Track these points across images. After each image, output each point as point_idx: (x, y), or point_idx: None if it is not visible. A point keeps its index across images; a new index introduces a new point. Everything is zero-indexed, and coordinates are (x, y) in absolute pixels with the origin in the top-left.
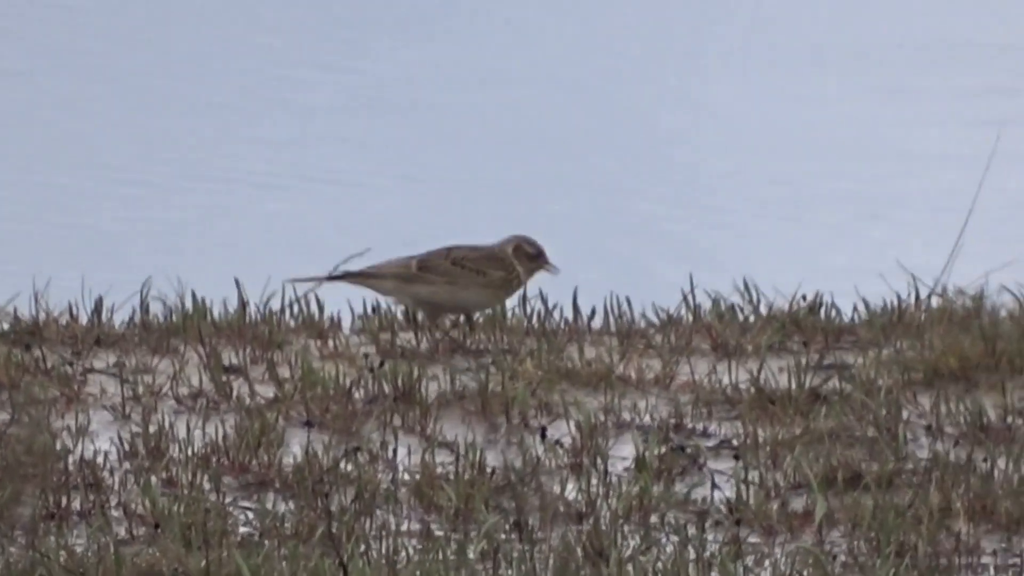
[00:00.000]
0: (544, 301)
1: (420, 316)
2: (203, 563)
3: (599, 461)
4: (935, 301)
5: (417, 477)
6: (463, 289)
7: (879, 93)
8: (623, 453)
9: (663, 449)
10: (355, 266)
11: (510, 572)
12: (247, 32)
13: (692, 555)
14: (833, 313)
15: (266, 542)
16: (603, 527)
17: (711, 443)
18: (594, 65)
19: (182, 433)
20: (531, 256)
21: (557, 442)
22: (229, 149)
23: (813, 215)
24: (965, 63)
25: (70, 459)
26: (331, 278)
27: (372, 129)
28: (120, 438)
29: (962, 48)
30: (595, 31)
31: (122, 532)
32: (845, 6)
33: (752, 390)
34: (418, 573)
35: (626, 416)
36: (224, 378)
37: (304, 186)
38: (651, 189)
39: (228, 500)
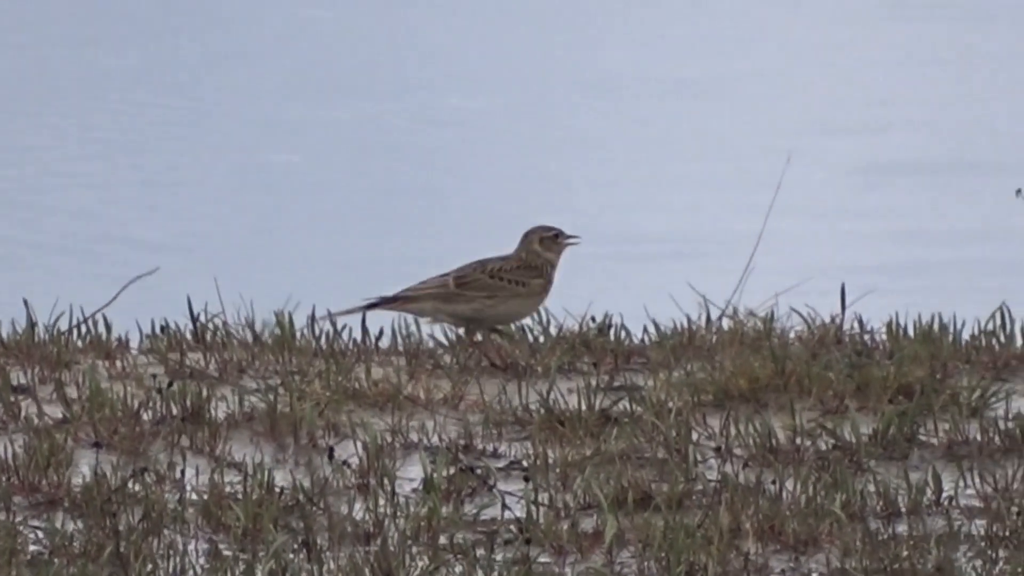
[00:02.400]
0: (333, 322)
1: (460, 331)
2: None
3: (387, 482)
4: (725, 323)
5: (205, 497)
6: (504, 302)
7: (664, 118)
8: (411, 474)
9: (452, 470)
10: (390, 292)
11: None
12: None
13: (480, 575)
14: (623, 334)
15: (55, 560)
16: (391, 548)
17: (501, 464)
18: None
19: None
20: (553, 238)
21: (345, 462)
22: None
23: (604, 236)
24: (753, 94)
25: None
26: (368, 307)
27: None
28: None
29: (751, 79)
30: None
31: None
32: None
33: (542, 411)
34: None
35: (414, 436)
36: (12, 398)
37: (86, 206)
38: (425, 206)
39: (18, 519)
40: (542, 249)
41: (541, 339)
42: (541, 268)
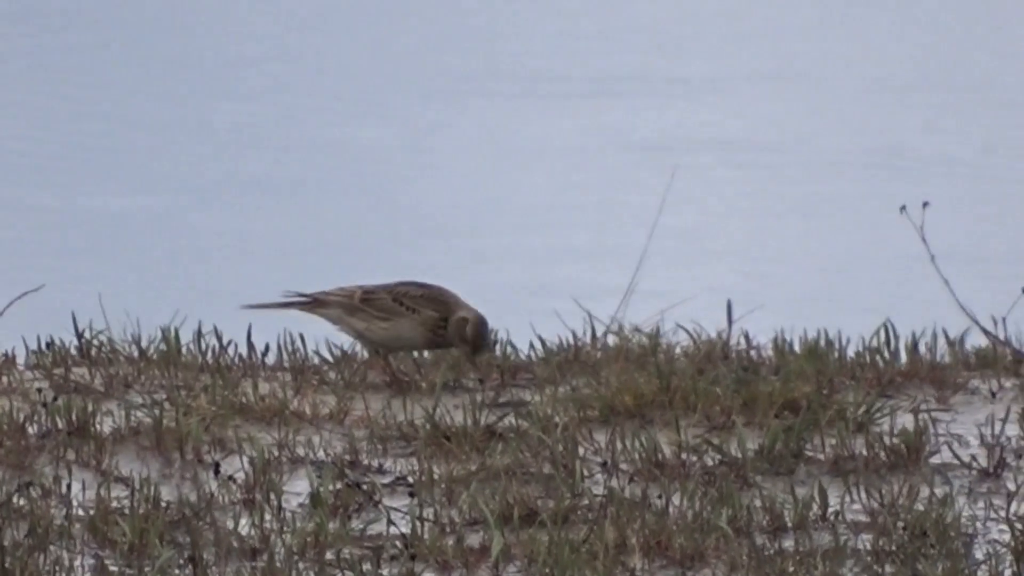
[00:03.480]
0: (218, 336)
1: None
2: None
3: (273, 497)
4: (611, 339)
5: (91, 512)
6: (395, 327)
7: (556, 128)
8: (298, 489)
9: (338, 485)
10: (308, 290)
11: None
12: None
13: None
14: (509, 350)
15: None
16: (277, 563)
17: (386, 479)
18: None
19: None
20: (470, 340)
21: (231, 477)
22: None
23: (491, 250)
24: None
25: None
26: (284, 305)
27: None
28: None
29: (633, 81)
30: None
31: None
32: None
33: (427, 426)
34: None
35: (300, 451)
36: None
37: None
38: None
39: None
40: (455, 327)
41: (426, 354)
42: (446, 311)
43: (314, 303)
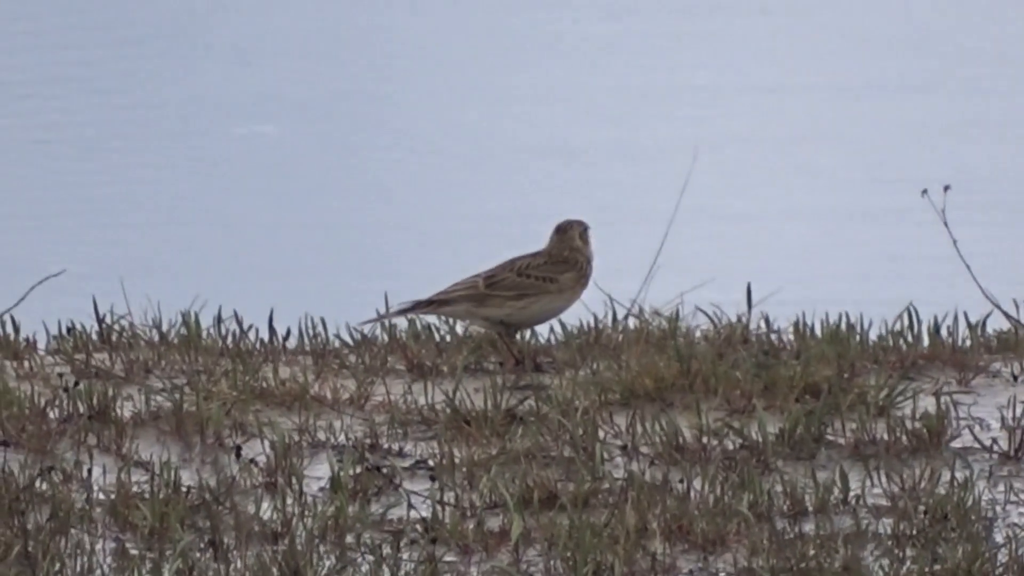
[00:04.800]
0: (239, 321)
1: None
2: None
3: (294, 481)
4: (631, 322)
5: (112, 496)
6: (534, 301)
7: (575, 125)
8: (318, 473)
9: (358, 469)
10: (424, 295)
11: None
12: None
13: (387, 574)
14: (529, 334)
15: None
16: (299, 547)
17: (407, 463)
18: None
19: None
20: (585, 229)
21: (252, 461)
22: None
23: (505, 234)
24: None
25: None
26: (401, 312)
27: None
28: None
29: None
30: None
31: None
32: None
33: (448, 410)
34: None
35: (321, 436)
36: None
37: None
38: (346, 205)
39: None
40: (582, 242)
41: (447, 338)
42: (573, 261)
43: (436, 304)
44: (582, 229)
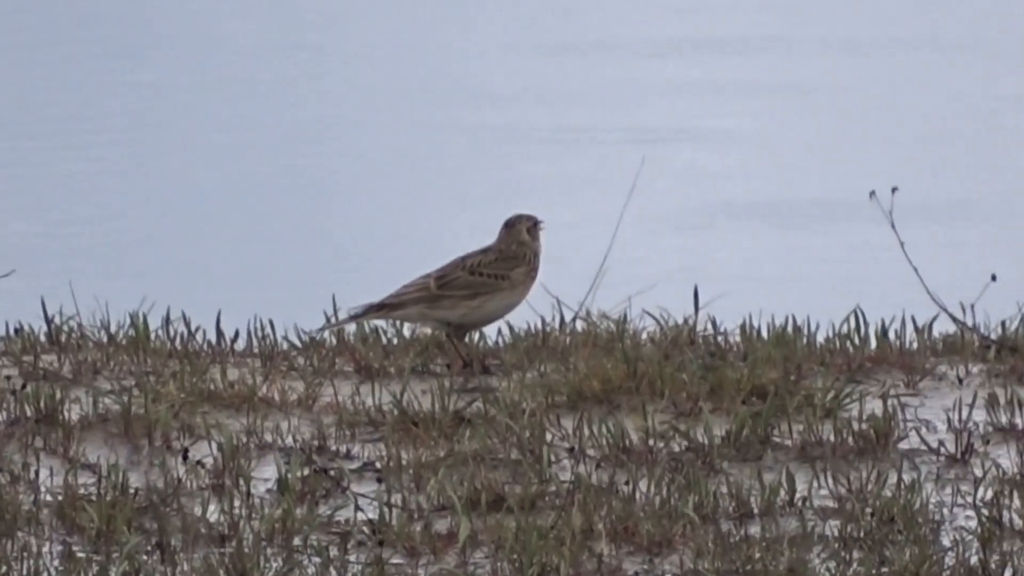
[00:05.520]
0: (187, 323)
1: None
2: None
3: (241, 483)
4: (579, 325)
5: (59, 498)
6: (489, 300)
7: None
8: (266, 475)
9: (306, 471)
10: (374, 297)
11: None
12: None
13: None
14: (477, 336)
15: None
16: (246, 549)
17: (354, 465)
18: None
19: None
20: (534, 224)
21: (199, 463)
22: None
23: (454, 239)
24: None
25: None
26: (355, 318)
27: None
28: None
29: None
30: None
31: None
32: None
33: (395, 412)
34: None
35: (269, 438)
36: None
37: None
38: (285, 204)
39: None
40: (531, 238)
41: (395, 340)
42: (522, 256)
43: (388, 308)
44: (531, 224)
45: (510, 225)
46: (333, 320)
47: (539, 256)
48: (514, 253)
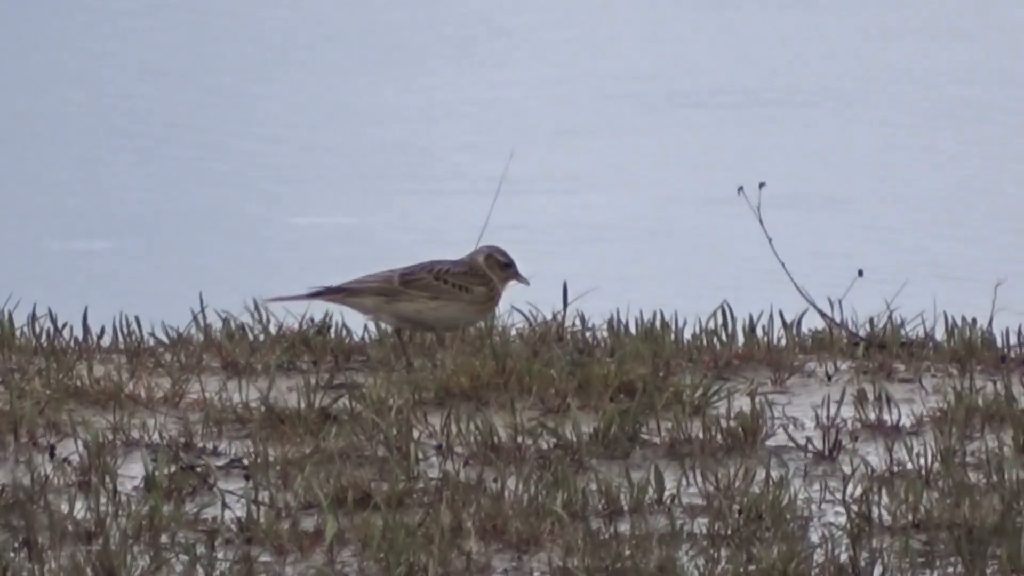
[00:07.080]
0: (53, 320)
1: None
2: None
3: (108, 480)
4: None
5: None
6: (447, 305)
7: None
8: (132, 472)
9: (173, 468)
10: (334, 282)
11: None
12: None
13: (202, 574)
14: (344, 333)
15: None
16: (113, 546)
17: (221, 462)
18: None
19: None
20: (503, 265)
21: (65, 460)
22: None
23: (329, 235)
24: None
25: None
26: (311, 296)
27: None
28: None
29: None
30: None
31: None
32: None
33: (262, 409)
34: None
35: (135, 435)
36: None
37: None
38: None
39: None
40: (487, 267)
41: (261, 337)
42: (488, 280)
43: (345, 293)
44: (495, 256)
45: (480, 252)
46: (285, 296)
47: (501, 294)
48: (483, 274)
